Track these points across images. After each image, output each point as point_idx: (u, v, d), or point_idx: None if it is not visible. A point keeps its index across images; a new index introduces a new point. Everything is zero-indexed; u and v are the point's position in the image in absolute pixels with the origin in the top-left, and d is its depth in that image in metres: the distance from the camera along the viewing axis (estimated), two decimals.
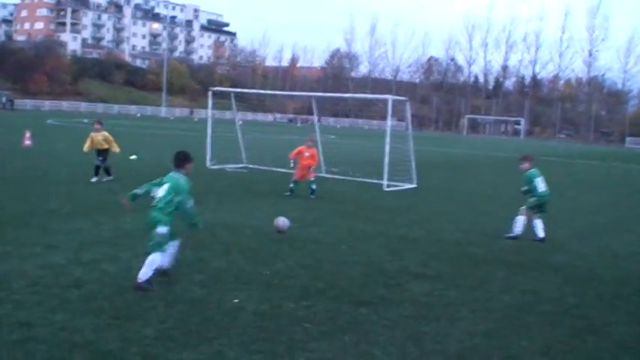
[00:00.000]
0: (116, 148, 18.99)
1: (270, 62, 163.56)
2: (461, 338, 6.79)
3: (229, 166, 23.56)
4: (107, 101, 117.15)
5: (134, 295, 7.55)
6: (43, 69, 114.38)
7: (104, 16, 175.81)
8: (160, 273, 8.09)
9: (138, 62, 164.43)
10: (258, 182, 20.07)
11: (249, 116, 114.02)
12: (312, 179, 17.41)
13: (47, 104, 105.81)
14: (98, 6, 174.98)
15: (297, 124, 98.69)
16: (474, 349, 6.51)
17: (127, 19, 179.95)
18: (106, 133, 18.93)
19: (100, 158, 18.51)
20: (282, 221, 10.95)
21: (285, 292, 8.04)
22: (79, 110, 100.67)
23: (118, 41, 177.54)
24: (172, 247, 8.27)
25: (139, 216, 12.62)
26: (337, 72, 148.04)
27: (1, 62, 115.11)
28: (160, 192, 8.11)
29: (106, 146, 18.66)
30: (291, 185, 17.42)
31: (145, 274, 7.76)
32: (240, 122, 30.52)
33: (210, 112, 25.85)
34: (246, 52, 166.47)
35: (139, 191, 8.42)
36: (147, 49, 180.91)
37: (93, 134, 18.65)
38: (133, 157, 25.28)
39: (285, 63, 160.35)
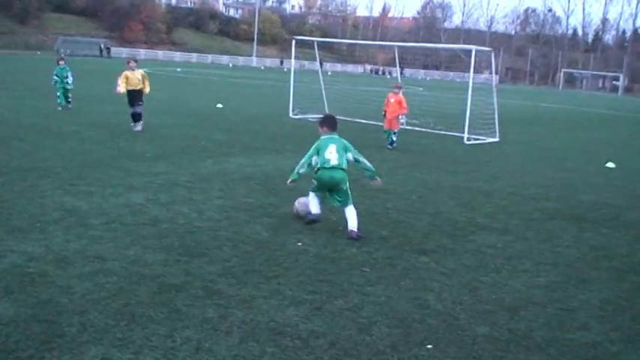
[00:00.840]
0: (148, 88, 17.68)
1: (361, 12, 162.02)
2: (518, 289, 6.82)
3: (311, 116, 23.77)
4: (201, 51, 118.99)
5: (203, 234, 7.92)
6: (138, 17, 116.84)
7: None
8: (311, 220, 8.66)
9: (231, 12, 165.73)
10: (340, 133, 20.14)
11: (339, 67, 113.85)
12: (395, 130, 17.37)
13: (143, 53, 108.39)
14: None
15: (387, 76, 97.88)
16: (530, 300, 6.54)
17: None
18: (142, 72, 17.83)
19: (140, 103, 17.22)
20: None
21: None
22: (174, 59, 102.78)
23: None
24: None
25: (215, 161, 13.12)
26: (429, 23, 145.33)
27: (98, 11, 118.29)
28: (333, 155, 8.56)
29: (141, 86, 17.32)
30: (386, 137, 17.44)
31: (356, 224, 8.32)
32: (329, 73, 30.61)
33: (293, 61, 26.07)
34: (337, 2, 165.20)
35: (301, 170, 8.76)
36: None
37: (128, 73, 17.18)
38: (219, 105, 25.86)
39: (376, 13, 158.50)
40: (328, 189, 8.62)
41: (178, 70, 67.58)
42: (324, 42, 27.41)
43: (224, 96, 32.03)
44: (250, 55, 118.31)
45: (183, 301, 5.80)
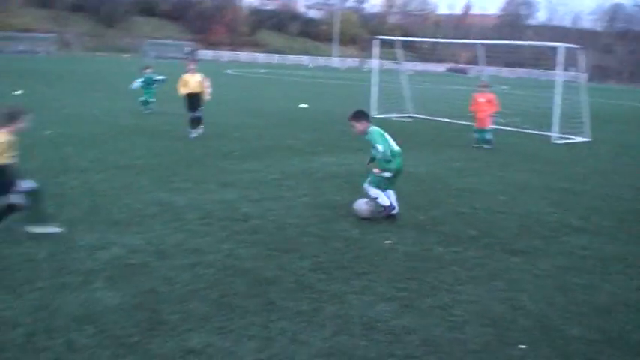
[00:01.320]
0: (209, 94, 16.45)
1: (442, 10, 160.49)
2: (612, 291, 6.70)
3: (394, 116, 23.77)
4: (282, 52, 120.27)
5: (293, 230, 8.10)
6: (222, 20, 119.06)
7: None
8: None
9: (311, 13, 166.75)
10: (421, 131, 20.16)
11: (420, 66, 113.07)
12: (488, 129, 17.09)
13: (226, 54, 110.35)
14: None
15: (469, 74, 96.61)
16: (625, 302, 6.41)
17: None
18: (202, 75, 16.48)
19: (201, 108, 16.09)
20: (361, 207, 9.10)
21: (438, 237, 8.24)
22: (256, 61, 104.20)
23: None
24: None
25: (302, 160, 13.32)
26: (513, 20, 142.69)
27: (183, 14, 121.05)
28: (394, 143, 8.98)
29: (200, 89, 16.14)
30: (476, 136, 17.27)
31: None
32: (411, 72, 30.54)
33: (375, 61, 26.12)
34: (418, 0, 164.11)
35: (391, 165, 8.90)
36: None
37: (187, 76, 16.13)
38: (303, 105, 26.16)
39: (458, 11, 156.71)
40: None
41: (261, 71, 68.60)
42: (407, 41, 27.24)
43: (307, 96, 32.35)
44: (330, 56, 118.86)
45: (277, 293, 5.97)
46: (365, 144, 15.37)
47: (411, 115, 24.42)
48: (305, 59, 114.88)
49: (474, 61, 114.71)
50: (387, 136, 8.96)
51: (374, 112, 24.12)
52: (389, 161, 8.79)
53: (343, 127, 19.87)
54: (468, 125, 19.34)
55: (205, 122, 17.91)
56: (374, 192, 8.88)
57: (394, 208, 8.90)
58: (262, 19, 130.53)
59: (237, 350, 4.85)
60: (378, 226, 8.56)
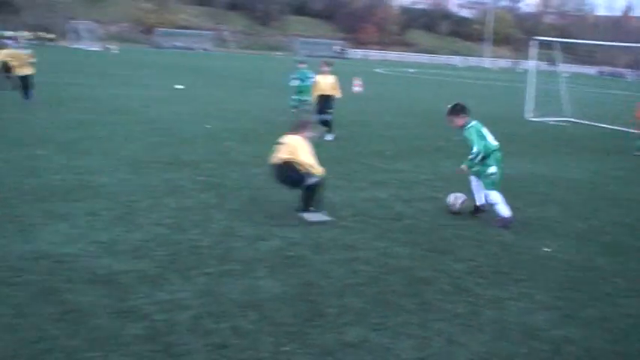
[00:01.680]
0: (339, 93, 15.91)
1: (601, 11, 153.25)
2: None
3: (550, 119, 23.01)
4: (432, 52, 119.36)
5: (447, 232, 8.07)
6: (372, 20, 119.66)
7: None
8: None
9: (463, 12, 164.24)
10: (580, 137, 19.39)
11: (575, 69, 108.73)
12: None
13: (375, 54, 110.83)
14: None
15: (627, 79, 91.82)
16: None
17: None
18: (334, 77, 15.77)
19: (331, 111, 15.43)
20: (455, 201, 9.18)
21: (599, 247, 7.94)
22: (405, 60, 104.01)
23: None
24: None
25: (454, 162, 13.18)
26: None
27: (334, 13, 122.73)
28: (492, 138, 8.92)
29: (331, 92, 15.51)
30: (639, 144, 16.47)
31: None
32: (567, 74, 29.48)
33: (532, 62, 25.39)
34: (575, 1, 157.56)
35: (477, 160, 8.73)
36: None
37: (319, 77, 15.56)
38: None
39: (617, 12, 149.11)
40: None
41: (411, 70, 68.42)
42: (566, 43, 26.29)
43: (457, 97, 31.94)
44: (482, 56, 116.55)
45: (434, 294, 5.99)
46: (517, 148, 15.03)
47: (568, 119, 23.54)
48: (455, 59, 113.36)
49: (634, 66, 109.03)
50: (486, 131, 8.86)
51: (529, 115, 23.48)
52: (489, 155, 8.65)
53: (494, 128, 19.46)
54: (628, 132, 18.46)
55: (356, 120, 18.12)
56: (493, 197, 8.67)
57: (512, 220, 8.53)
58: (412, 18, 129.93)
59: (395, 347, 4.93)
60: (535, 233, 8.37)
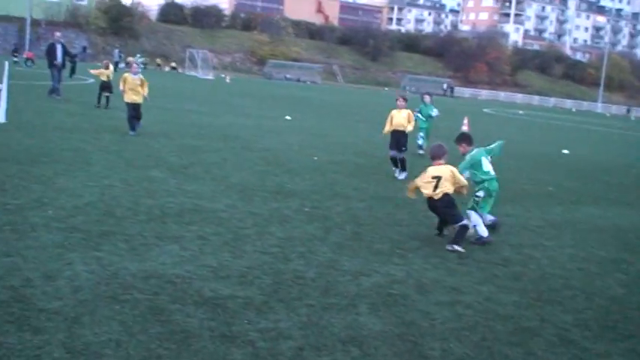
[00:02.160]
0: (412, 127, 14.76)
1: None
2: None
3: None
4: (544, 94, 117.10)
5: (556, 282, 7.83)
6: (484, 59, 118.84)
7: (548, 8, 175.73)
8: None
9: (578, 55, 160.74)
10: None
11: None
12: None
13: (485, 93, 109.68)
14: None
15: None
16: None
17: (570, 12, 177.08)
18: (409, 111, 14.86)
19: (404, 148, 14.49)
20: None
21: None
22: (515, 101, 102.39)
23: (559, 33, 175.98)
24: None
25: (565, 209, 12.84)
26: None
27: (445, 51, 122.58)
28: (490, 168, 9.83)
29: (404, 127, 14.44)
30: None
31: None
32: None
33: None
34: None
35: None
36: (588, 42, 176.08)
37: (395, 112, 14.72)
38: (566, 151, 25.19)
39: None
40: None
41: (521, 112, 67.22)
42: None
43: (568, 141, 31.15)
44: (595, 101, 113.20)
45: (539, 345, 5.81)
46: (632, 198, 14.50)
47: None
48: (567, 102, 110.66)
49: None
50: (485, 161, 9.63)
51: None
52: (482, 182, 9.53)
53: (609, 177, 18.95)
54: None
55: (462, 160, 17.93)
56: (474, 218, 9.27)
57: (489, 241, 9.22)
58: (525, 59, 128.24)
59: None
60: None
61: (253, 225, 8.99)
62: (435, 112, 19.88)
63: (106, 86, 24.37)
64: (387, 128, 14.72)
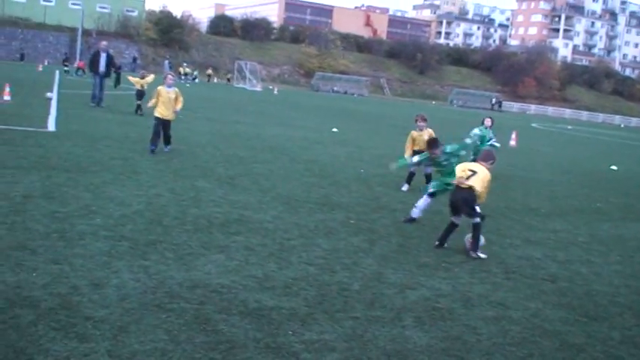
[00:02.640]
0: None
1: None
2: None
3: None
4: (592, 109, 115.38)
5: (603, 298, 7.72)
6: (532, 73, 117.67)
7: (597, 24, 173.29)
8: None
9: (627, 71, 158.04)
10: None
11: None
12: None
13: (533, 108, 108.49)
14: (593, 13, 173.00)
15: None
16: None
17: (620, 27, 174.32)
18: (430, 131, 14.28)
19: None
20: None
21: None
22: (563, 116, 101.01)
23: (609, 49, 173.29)
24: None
25: (613, 225, 12.63)
26: None
27: (494, 65, 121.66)
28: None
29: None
30: None
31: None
32: None
33: None
34: None
35: None
36: (638, 58, 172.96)
37: (415, 133, 14.34)
38: (614, 167, 24.78)
39: None
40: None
41: (569, 127, 66.28)
42: None
43: (617, 157, 30.61)
44: None
45: None
46: None
47: None
48: (616, 118, 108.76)
49: None
50: (458, 168, 9.57)
51: None
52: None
53: None
54: None
55: (511, 175, 17.79)
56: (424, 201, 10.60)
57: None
58: (574, 74, 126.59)
59: None
60: None
61: (299, 236, 9.05)
62: (494, 141, 17.56)
63: (139, 94, 25.67)
64: (410, 151, 13.92)
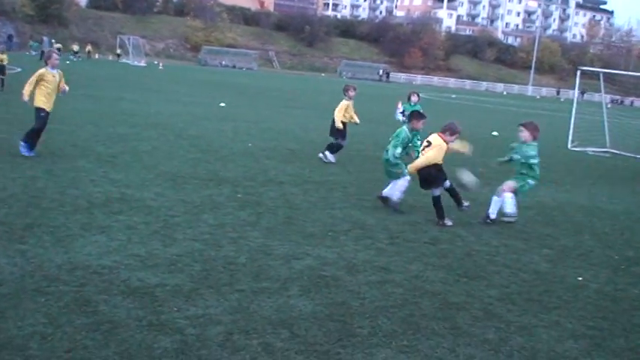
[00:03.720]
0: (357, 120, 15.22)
1: None
2: None
3: (591, 149, 22.76)
4: (476, 78, 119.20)
5: (482, 258, 8.04)
6: (418, 44, 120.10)
7: None
8: (382, 200, 10.43)
9: (510, 40, 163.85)
10: (620, 168, 19.16)
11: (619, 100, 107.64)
12: None
13: (419, 78, 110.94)
14: None
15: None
16: None
17: None
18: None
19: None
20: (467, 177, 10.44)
21: (632, 279, 7.84)
22: (448, 86, 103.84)
23: (492, 18, 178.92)
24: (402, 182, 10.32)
25: (493, 188, 13.12)
26: None
27: (380, 37, 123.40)
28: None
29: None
30: None
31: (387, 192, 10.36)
32: (609, 106, 29.10)
33: (576, 92, 25.21)
34: (621, 32, 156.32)
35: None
36: (520, 26, 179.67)
37: (346, 103, 14.79)
38: (495, 133, 25.74)
39: None
40: None
41: (453, 96, 68.23)
42: (611, 73, 26.10)
43: (498, 124, 31.81)
44: (526, 84, 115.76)
45: (464, 319, 5.97)
46: (558, 177, 14.88)
47: (609, 150, 23.25)
48: (499, 86, 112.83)
49: None
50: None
51: (571, 145, 23.25)
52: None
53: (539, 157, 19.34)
54: None
55: (385, 142, 18.11)
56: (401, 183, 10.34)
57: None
58: (458, 44, 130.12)
59: None
60: (569, 261, 8.30)
61: (184, 213, 8.93)
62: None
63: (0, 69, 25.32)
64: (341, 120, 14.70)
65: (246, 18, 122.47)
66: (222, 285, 6.29)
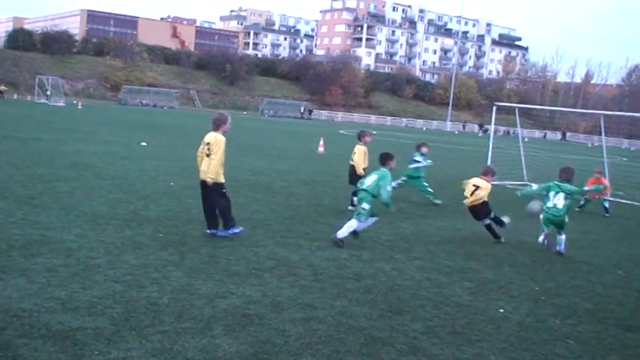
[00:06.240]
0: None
1: (562, 78, 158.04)
2: None
3: (510, 183, 23.44)
4: (396, 115, 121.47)
5: (405, 292, 8.17)
6: (338, 82, 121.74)
7: (398, 32, 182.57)
8: (353, 234, 10.78)
9: (427, 77, 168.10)
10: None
11: (537, 134, 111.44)
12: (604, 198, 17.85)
13: (340, 115, 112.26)
14: (393, 22, 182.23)
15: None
16: None
17: (419, 35, 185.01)
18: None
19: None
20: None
21: (552, 309, 8.10)
22: (369, 122, 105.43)
23: (409, 56, 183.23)
24: (370, 220, 10.89)
25: (413, 223, 13.39)
26: (635, 90, 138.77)
27: (301, 74, 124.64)
28: (369, 181, 10.99)
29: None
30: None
31: (342, 233, 10.49)
32: (526, 139, 30.08)
33: (493, 127, 26.02)
34: (537, 67, 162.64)
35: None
36: (437, 64, 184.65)
37: (363, 148, 15.07)
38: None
39: (578, 79, 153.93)
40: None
41: (374, 132, 69.25)
42: (526, 108, 27.08)
43: None
44: (445, 120, 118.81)
45: (389, 354, 6.04)
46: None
47: (527, 182, 23.98)
48: (418, 122, 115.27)
49: (593, 131, 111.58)
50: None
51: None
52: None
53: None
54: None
55: (318, 180, 18.28)
56: (352, 224, 10.71)
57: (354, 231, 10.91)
58: (377, 82, 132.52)
59: None
60: (491, 293, 8.52)
61: (105, 254, 8.76)
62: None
63: None
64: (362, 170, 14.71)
65: (167, 57, 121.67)
66: (144, 326, 6.19)
